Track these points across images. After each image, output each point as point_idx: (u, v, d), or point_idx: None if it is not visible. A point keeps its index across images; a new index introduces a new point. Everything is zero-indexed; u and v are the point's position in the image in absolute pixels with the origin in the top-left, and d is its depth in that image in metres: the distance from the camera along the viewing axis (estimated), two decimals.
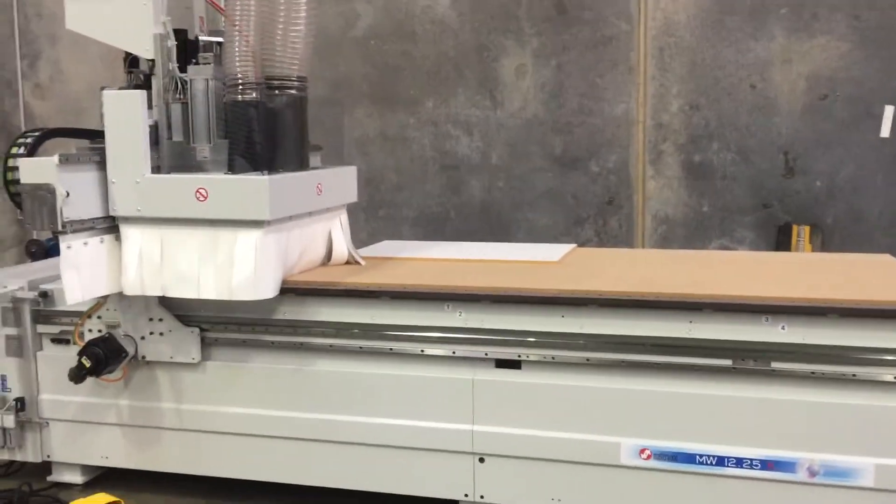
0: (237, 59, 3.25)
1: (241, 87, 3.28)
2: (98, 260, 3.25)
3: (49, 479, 3.69)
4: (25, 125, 6.92)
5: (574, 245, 4.25)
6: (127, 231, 3.27)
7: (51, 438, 3.64)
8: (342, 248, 3.72)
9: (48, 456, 3.66)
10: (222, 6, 3.43)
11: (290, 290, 3.34)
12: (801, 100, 5.69)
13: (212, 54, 3.34)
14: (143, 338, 3.45)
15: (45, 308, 3.57)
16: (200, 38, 3.47)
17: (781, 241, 5.70)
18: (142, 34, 3.24)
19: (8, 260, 6.61)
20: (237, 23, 3.23)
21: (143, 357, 3.46)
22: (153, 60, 3.28)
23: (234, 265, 3.15)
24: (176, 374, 3.47)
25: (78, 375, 3.32)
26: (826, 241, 5.67)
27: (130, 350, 3.42)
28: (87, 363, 3.31)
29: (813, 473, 2.88)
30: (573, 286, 3.19)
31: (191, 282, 3.22)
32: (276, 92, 3.37)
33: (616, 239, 6.05)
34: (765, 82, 5.72)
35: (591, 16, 5.94)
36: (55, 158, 3.08)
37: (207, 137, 3.29)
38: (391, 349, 3.26)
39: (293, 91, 3.41)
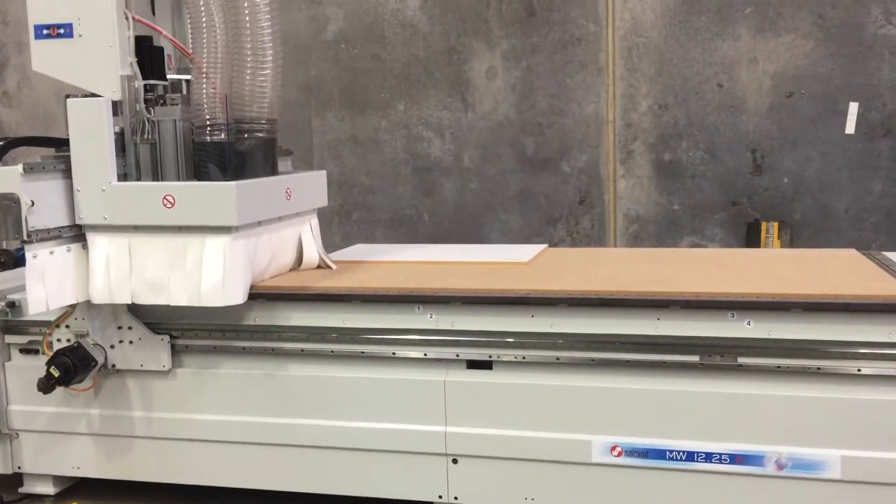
0: (205, 102, 3.26)
1: (209, 129, 3.27)
2: (65, 269, 3.23)
3: (21, 490, 3.66)
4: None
5: (545, 245, 4.27)
6: (94, 239, 3.26)
7: (21, 449, 3.60)
8: (312, 252, 3.72)
9: (19, 467, 3.63)
10: (189, 50, 3.42)
11: (261, 296, 3.34)
12: (768, 98, 5.76)
13: (179, 95, 3.32)
14: (112, 346, 3.43)
15: (12, 318, 3.54)
16: (169, 76, 3.47)
17: (751, 238, 5.78)
18: (109, 76, 3.22)
19: None
20: (204, 68, 3.24)
21: (113, 365, 3.44)
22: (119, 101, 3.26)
23: (203, 271, 3.15)
24: (146, 381, 3.45)
25: (46, 385, 3.29)
26: (795, 237, 5.75)
27: (100, 359, 3.40)
28: (56, 373, 3.28)
29: (781, 466, 2.92)
30: (542, 286, 3.21)
31: (161, 288, 3.21)
32: (245, 136, 3.37)
33: (588, 238, 6.09)
34: (732, 81, 5.79)
35: (560, 17, 5.98)
36: (19, 168, 3.07)
37: (176, 177, 3.28)
38: (363, 352, 3.27)
39: (262, 134, 3.41)
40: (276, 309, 3.33)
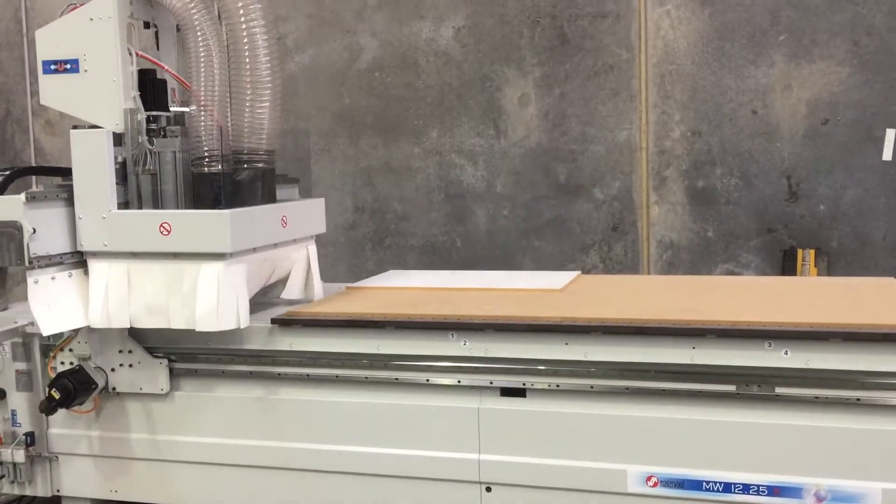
0: (203, 134, 3.35)
1: (206, 161, 3.37)
2: (67, 294, 3.33)
3: None
4: (36, 161, 7.01)
5: (578, 272, 4.27)
6: (94, 265, 3.35)
7: (60, 473, 3.65)
8: (298, 281, 3.73)
9: (58, 490, 3.68)
10: (189, 83, 3.50)
11: (296, 321, 3.37)
12: (803, 125, 5.72)
13: (179, 127, 3.42)
14: (113, 369, 3.50)
15: (54, 343, 3.60)
16: (172, 109, 3.58)
17: (787, 266, 5.71)
18: (113, 109, 3.33)
19: (19, 295, 6.67)
20: (202, 100, 3.34)
21: (114, 388, 3.51)
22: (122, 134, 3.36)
23: (198, 297, 3.21)
24: (149, 404, 3.49)
25: (48, 407, 3.39)
26: (832, 264, 5.68)
27: (100, 382, 3.47)
28: (57, 395, 3.37)
29: (820, 499, 2.88)
30: (577, 314, 3.21)
31: (160, 312, 3.29)
32: (244, 166, 3.47)
33: (621, 265, 6.06)
34: (766, 108, 5.77)
35: (593, 45, 6.01)
36: (22, 196, 3.18)
37: (176, 206, 3.36)
38: (396, 379, 3.28)
39: (260, 164, 3.50)
40: (311, 335, 3.35)
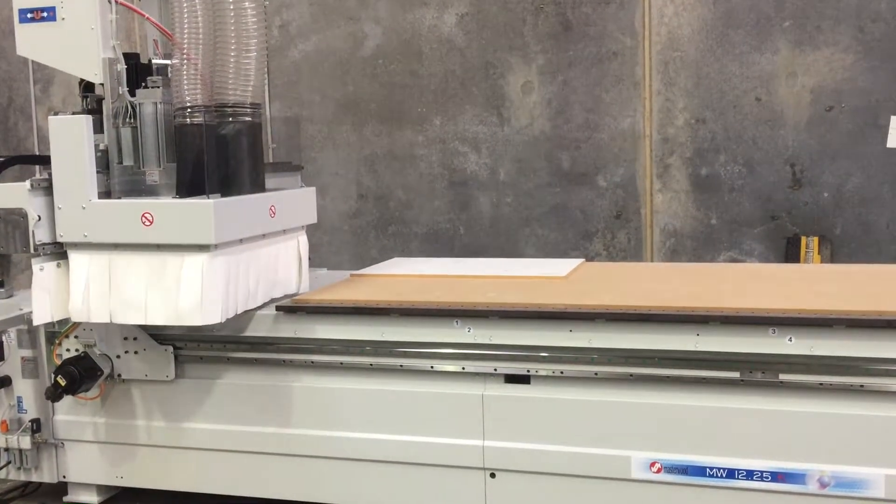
0: (185, 84, 3.23)
1: (189, 112, 3.24)
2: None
3: (65, 499, 3.73)
4: (39, 149, 7.01)
5: (582, 260, 4.27)
6: (74, 257, 3.24)
7: (66, 459, 3.67)
8: (290, 273, 3.63)
9: (64, 476, 3.70)
10: (171, 32, 3.38)
11: (300, 308, 3.38)
12: (807, 112, 5.70)
13: (161, 78, 3.30)
14: (118, 356, 3.49)
15: (59, 330, 3.62)
16: (154, 61, 3.44)
17: (790, 253, 5.71)
18: (91, 59, 3.21)
19: (24, 283, 6.68)
20: (185, 49, 3.22)
21: (119, 375, 3.51)
22: (102, 84, 3.26)
23: (181, 289, 3.11)
24: (152, 390, 3.50)
25: (54, 394, 3.40)
26: (835, 252, 5.67)
27: (106, 369, 3.48)
28: (63, 382, 3.38)
29: (823, 485, 2.89)
30: (581, 301, 3.22)
31: (138, 307, 3.18)
32: (229, 119, 3.32)
33: (625, 253, 6.06)
34: (770, 95, 5.75)
35: (596, 32, 5.98)
36: (27, 184, 3.16)
37: (157, 161, 3.25)
38: (401, 365, 3.29)
39: (245, 118, 3.36)
40: (315, 322, 3.36)
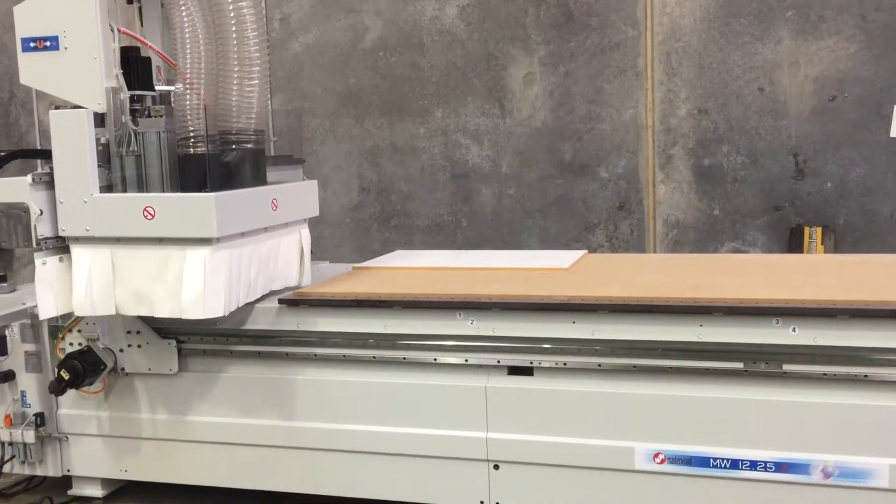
0: (188, 113, 3.24)
1: (192, 140, 3.24)
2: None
3: (70, 493, 3.74)
4: (40, 143, 7.00)
5: (584, 251, 4.26)
6: (76, 251, 3.23)
7: (70, 453, 3.68)
8: (291, 266, 3.62)
9: (68, 470, 3.70)
10: (174, 60, 3.39)
11: (303, 301, 3.38)
12: (810, 102, 5.69)
13: (164, 107, 3.30)
14: (121, 350, 3.50)
15: (63, 324, 3.62)
16: (157, 88, 3.46)
17: (794, 244, 5.69)
18: (94, 88, 3.21)
19: (27, 277, 6.69)
20: (188, 77, 3.23)
21: (123, 369, 3.52)
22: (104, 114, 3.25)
23: (184, 283, 3.11)
24: (155, 383, 3.50)
25: (57, 388, 3.40)
26: (839, 242, 5.66)
27: (109, 362, 3.49)
28: (66, 376, 3.39)
29: (827, 475, 2.89)
30: (584, 292, 3.21)
31: (144, 300, 3.19)
32: (232, 147, 3.33)
33: (628, 244, 6.05)
34: (773, 85, 5.73)
35: (598, 22, 5.96)
36: (29, 178, 3.16)
37: (161, 189, 3.25)
38: (404, 358, 3.29)
39: (249, 145, 3.37)
40: (318, 315, 3.36)
